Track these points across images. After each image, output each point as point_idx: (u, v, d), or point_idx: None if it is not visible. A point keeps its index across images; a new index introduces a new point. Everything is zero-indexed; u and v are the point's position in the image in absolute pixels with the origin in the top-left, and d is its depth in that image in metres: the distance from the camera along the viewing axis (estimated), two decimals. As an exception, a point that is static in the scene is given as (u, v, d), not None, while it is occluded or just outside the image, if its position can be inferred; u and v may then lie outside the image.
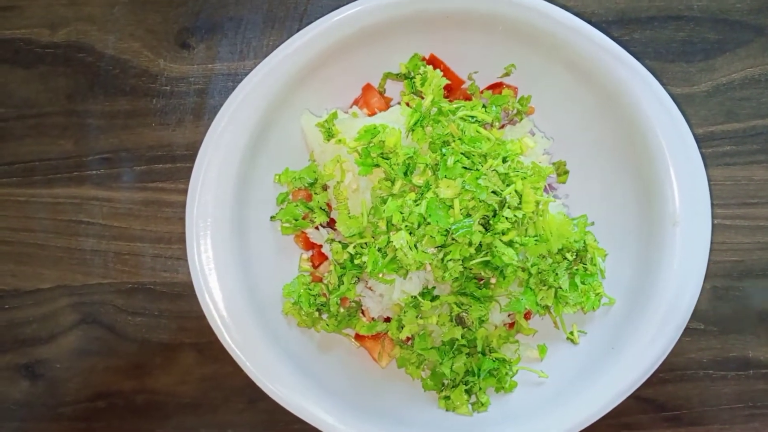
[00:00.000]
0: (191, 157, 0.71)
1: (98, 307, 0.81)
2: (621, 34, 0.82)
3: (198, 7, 0.82)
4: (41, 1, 0.82)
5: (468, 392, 0.72)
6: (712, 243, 0.71)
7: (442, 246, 0.65)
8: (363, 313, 0.75)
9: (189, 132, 0.81)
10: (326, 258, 0.75)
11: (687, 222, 0.70)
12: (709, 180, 0.74)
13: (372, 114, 0.74)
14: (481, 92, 0.76)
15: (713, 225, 0.79)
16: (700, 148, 0.72)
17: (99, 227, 0.81)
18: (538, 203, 0.67)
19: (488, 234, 0.64)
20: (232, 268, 0.70)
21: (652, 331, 0.70)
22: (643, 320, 0.70)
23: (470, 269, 0.67)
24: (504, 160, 0.68)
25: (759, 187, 0.82)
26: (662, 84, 0.72)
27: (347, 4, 0.70)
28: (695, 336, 0.81)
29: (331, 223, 0.74)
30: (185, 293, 0.80)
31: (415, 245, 0.64)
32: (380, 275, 0.68)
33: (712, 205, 0.72)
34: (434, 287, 0.70)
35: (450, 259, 0.64)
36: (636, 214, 0.74)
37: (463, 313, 0.69)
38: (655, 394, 0.81)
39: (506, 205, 0.65)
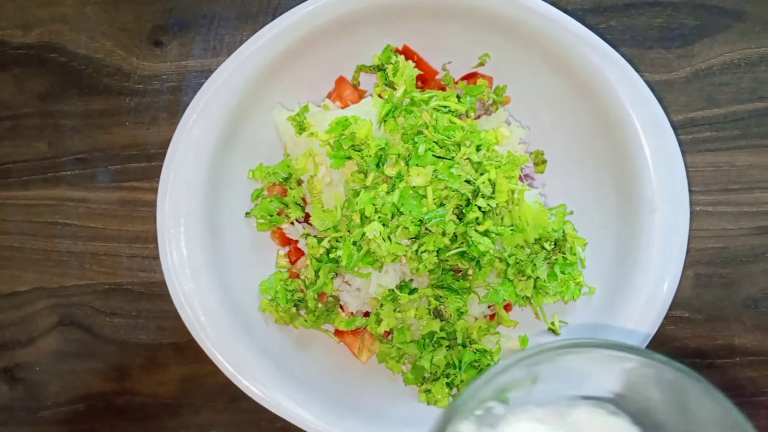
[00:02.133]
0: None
1: (76, 308, 0.80)
2: (598, 22, 0.81)
3: (170, 5, 0.81)
4: (14, 2, 0.82)
5: (449, 385, 0.71)
6: (694, 230, 0.71)
7: (416, 237, 0.64)
8: (341, 308, 0.74)
9: (163, 130, 0.80)
10: (303, 253, 0.74)
11: (665, 208, 0.69)
12: (690, 166, 0.73)
13: (345, 107, 0.73)
14: (456, 83, 0.75)
15: (695, 212, 0.79)
16: (680, 134, 0.71)
17: (75, 228, 0.80)
18: (512, 192, 0.66)
19: (461, 224, 0.64)
20: (207, 267, 0.70)
21: (633, 319, 0.70)
22: (624, 308, 0.70)
23: (446, 261, 0.66)
24: (478, 149, 0.67)
25: (741, 173, 0.81)
26: (641, 71, 0.71)
27: (319, -4, 0.70)
28: (680, 324, 0.81)
29: (306, 218, 0.74)
30: (163, 293, 0.79)
31: (389, 237, 0.64)
32: (356, 269, 0.67)
33: (692, 191, 0.71)
34: (411, 280, 0.69)
35: (424, 251, 0.63)
36: (615, 202, 0.73)
37: (441, 306, 0.68)
38: (641, 383, 0.80)
39: (479, 194, 0.64)
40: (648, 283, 0.69)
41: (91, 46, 0.81)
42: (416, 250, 0.64)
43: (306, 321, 0.72)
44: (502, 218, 0.66)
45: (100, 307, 0.80)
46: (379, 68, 0.74)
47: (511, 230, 0.66)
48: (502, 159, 0.66)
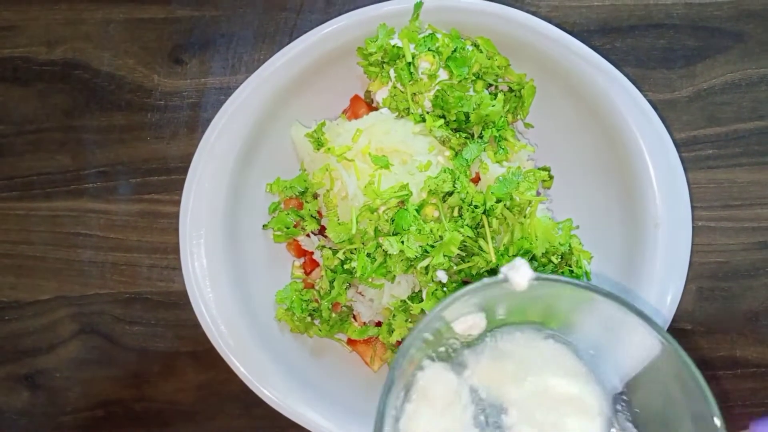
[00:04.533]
0: (185, 169, 0.73)
1: (96, 317, 0.82)
2: (603, 43, 0.84)
3: (191, 25, 0.84)
4: (39, 20, 0.85)
5: (458, 394, 0.73)
6: (696, 244, 0.73)
7: (427, 251, 0.66)
8: (355, 318, 0.76)
9: (183, 145, 0.83)
10: (318, 265, 0.77)
11: (668, 223, 0.72)
12: (692, 183, 0.76)
13: (360, 124, 0.76)
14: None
15: (698, 227, 0.81)
16: (682, 152, 0.74)
17: (96, 239, 0.83)
18: (529, 202, 0.69)
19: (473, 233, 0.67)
20: (226, 277, 0.72)
21: (637, 331, 0.71)
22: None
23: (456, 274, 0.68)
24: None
25: (742, 190, 0.83)
26: (644, 90, 0.74)
27: (336, 17, 0.73)
28: (683, 336, 0.83)
29: (321, 231, 0.76)
30: (181, 302, 0.82)
31: (402, 241, 0.66)
32: (369, 280, 0.69)
33: (694, 207, 0.74)
34: (423, 291, 0.71)
35: (432, 265, 0.66)
36: (619, 217, 0.75)
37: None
38: (644, 394, 0.82)
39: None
40: (652, 296, 0.71)
41: (114, 64, 0.84)
42: (426, 267, 0.67)
43: (320, 330, 0.75)
44: (513, 231, 0.68)
45: (119, 316, 0.82)
46: (383, 62, 0.74)
47: (521, 244, 0.68)
48: (519, 170, 0.69)
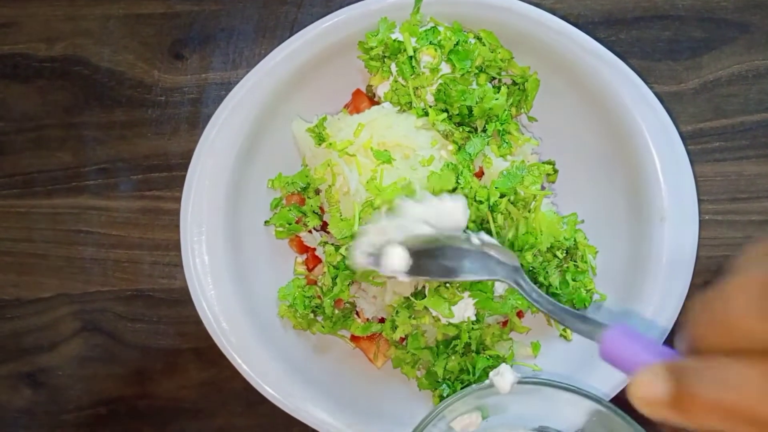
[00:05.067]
0: (187, 165, 0.73)
1: (98, 314, 0.82)
2: (607, 35, 0.83)
3: (191, 20, 0.84)
4: (39, 17, 0.84)
5: (463, 390, 0.73)
6: (703, 238, 0.72)
7: None
8: (358, 314, 0.76)
9: (184, 141, 0.82)
10: (320, 261, 0.76)
11: (674, 217, 0.71)
12: (699, 176, 0.75)
13: (362, 119, 0.75)
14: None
15: (704, 220, 0.81)
16: (688, 144, 0.73)
17: (98, 236, 0.82)
18: (534, 196, 0.68)
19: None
20: (228, 273, 0.72)
21: (644, 325, 0.71)
22: (634, 314, 0.71)
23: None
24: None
25: (749, 182, 0.83)
26: (650, 83, 0.73)
27: (336, 10, 0.72)
28: (689, 331, 0.82)
29: (324, 227, 0.76)
30: (183, 299, 0.81)
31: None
32: (372, 277, 0.69)
33: (701, 200, 0.73)
34: (425, 287, 0.70)
35: None
36: (625, 211, 0.75)
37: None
38: (651, 389, 0.81)
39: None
40: (658, 289, 0.71)
41: (114, 60, 0.84)
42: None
43: (323, 327, 0.74)
44: (517, 226, 0.67)
45: (121, 313, 0.82)
46: (384, 56, 0.73)
47: (527, 238, 0.67)
48: (523, 164, 0.68)
